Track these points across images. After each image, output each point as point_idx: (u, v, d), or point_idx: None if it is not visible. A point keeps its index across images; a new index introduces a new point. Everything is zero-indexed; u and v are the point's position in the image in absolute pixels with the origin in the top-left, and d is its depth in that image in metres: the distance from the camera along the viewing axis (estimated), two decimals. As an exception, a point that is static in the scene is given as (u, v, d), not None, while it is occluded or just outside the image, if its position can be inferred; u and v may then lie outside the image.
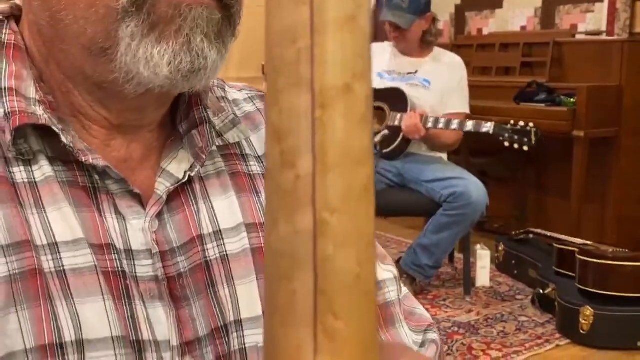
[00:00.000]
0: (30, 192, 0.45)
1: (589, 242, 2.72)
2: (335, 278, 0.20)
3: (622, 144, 3.14)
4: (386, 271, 0.57)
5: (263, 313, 0.50)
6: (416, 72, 2.73)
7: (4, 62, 0.47)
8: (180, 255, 0.49)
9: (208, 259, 0.50)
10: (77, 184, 0.47)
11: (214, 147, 0.53)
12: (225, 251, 0.51)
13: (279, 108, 0.20)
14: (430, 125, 2.56)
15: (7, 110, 0.45)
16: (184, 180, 0.50)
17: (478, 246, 2.91)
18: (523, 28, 3.78)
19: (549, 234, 2.96)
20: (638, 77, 3.10)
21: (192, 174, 0.50)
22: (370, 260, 0.21)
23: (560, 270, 2.59)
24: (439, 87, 2.69)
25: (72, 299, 0.44)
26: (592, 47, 3.25)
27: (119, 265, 0.46)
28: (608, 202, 3.19)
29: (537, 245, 2.95)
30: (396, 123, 2.65)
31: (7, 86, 0.46)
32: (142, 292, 0.46)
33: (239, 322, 0.50)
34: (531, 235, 3.03)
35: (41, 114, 0.45)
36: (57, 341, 0.43)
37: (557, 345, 2.37)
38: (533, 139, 2.45)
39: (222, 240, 0.51)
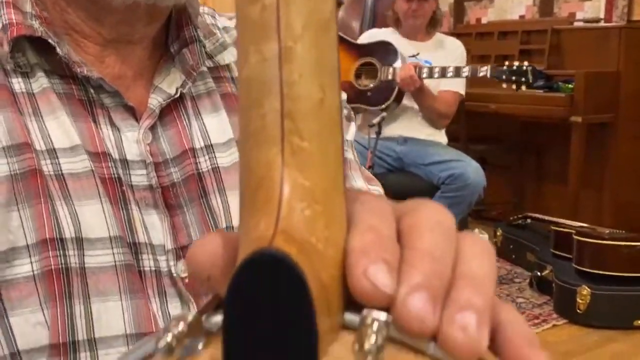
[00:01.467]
0: (28, 101, 0.47)
1: (585, 225, 2.74)
2: (300, 102, 0.22)
3: (620, 129, 3.15)
4: (372, 189, 0.59)
5: (237, 142, 0.50)
6: (418, 54, 2.75)
7: None
8: (174, 167, 0.51)
9: (200, 171, 0.52)
10: (73, 96, 0.49)
11: (205, 69, 0.55)
12: (217, 164, 0.53)
13: None
14: (425, 75, 2.55)
15: (4, 22, 0.47)
16: (176, 96, 0.52)
17: (476, 230, 2.94)
18: (522, 17, 3.80)
19: (546, 218, 2.98)
20: (635, 63, 3.12)
21: (184, 91, 0.53)
22: (333, 88, 0.23)
23: (558, 252, 2.61)
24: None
25: (71, 200, 0.46)
26: (590, 34, 3.27)
27: (115, 173, 0.48)
28: (605, 188, 3.21)
29: (535, 230, 2.97)
30: (389, 77, 2.64)
31: (4, 0, 0.48)
32: (137, 199, 0.49)
33: (231, 229, 0.52)
34: (529, 220, 3.05)
35: (37, 27, 0.47)
36: (58, 236, 0.45)
37: (554, 325, 2.39)
38: (530, 77, 2.44)
39: (213, 154, 0.53)
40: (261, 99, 0.22)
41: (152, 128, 0.51)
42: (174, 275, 0.49)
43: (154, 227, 0.49)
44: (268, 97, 0.22)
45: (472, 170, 2.56)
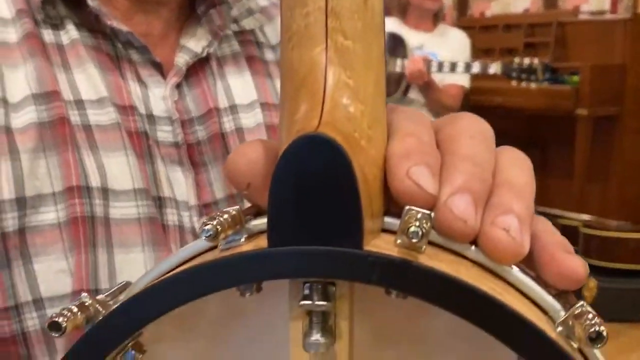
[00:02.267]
0: (57, 52, 0.48)
1: (592, 217, 2.73)
2: (345, 1, 0.22)
3: (625, 122, 3.14)
4: None
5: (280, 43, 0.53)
6: (422, 46, 2.74)
7: None
8: (199, 125, 0.51)
9: (224, 131, 0.52)
10: (101, 50, 0.49)
11: (230, 32, 0.55)
12: (241, 125, 0.53)
13: None
14: (434, 69, 2.53)
15: None
16: (202, 55, 0.52)
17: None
18: (526, 10, 3.78)
19: (552, 211, 2.96)
20: (641, 56, 3.11)
21: (210, 50, 0.53)
22: None
23: (564, 245, 2.60)
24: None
25: (98, 151, 0.46)
26: (595, 26, 3.26)
27: (141, 127, 0.49)
28: (611, 181, 3.20)
29: (541, 223, 2.96)
30: (397, 69, 2.63)
31: None
32: (162, 155, 0.49)
33: None
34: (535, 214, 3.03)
35: None
36: (84, 184, 0.45)
37: (561, 318, 2.38)
38: (540, 75, 2.45)
39: (237, 114, 0.53)
40: None
41: (178, 86, 0.51)
42: (197, 230, 0.49)
43: (178, 183, 0.49)
44: None
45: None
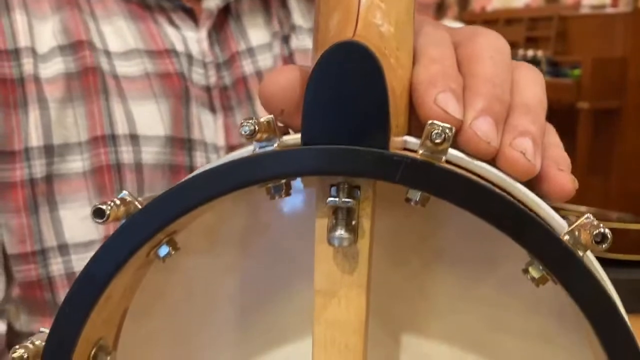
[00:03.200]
0: (86, 3, 0.49)
1: (592, 208, 2.74)
2: None
3: (627, 116, 3.15)
4: None
5: None
6: None
7: None
8: (225, 70, 0.53)
9: (244, 74, 0.54)
10: (130, 1, 0.50)
11: None
12: (259, 67, 0.54)
13: None
14: None
15: None
16: (231, 0, 0.53)
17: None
18: (527, 4, 3.80)
19: (553, 203, 2.98)
20: (642, 50, 3.12)
21: None
22: None
23: (565, 236, 2.62)
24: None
25: (127, 100, 0.48)
26: (596, 20, 3.27)
27: (179, 69, 0.50)
28: (612, 174, 3.21)
29: (542, 215, 2.97)
30: None
31: None
32: (195, 97, 0.50)
33: None
34: (536, 206, 3.05)
35: None
36: (109, 133, 0.46)
37: (562, 308, 2.40)
38: (543, 68, 2.47)
39: (255, 57, 0.54)
40: None
41: (207, 31, 0.52)
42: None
43: (208, 125, 0.51)
44: None
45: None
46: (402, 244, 0.27)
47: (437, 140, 0.22)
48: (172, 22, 0.51)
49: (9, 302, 0.46)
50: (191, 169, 0.49)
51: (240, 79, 0.53)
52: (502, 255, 0.26)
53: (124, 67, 0.48)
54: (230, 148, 0.51)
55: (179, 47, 0.50)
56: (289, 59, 0.56)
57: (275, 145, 0.24)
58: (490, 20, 3.66)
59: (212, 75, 0.51)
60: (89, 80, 0.47)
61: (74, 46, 0.47)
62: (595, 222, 0.23)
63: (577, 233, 0.23)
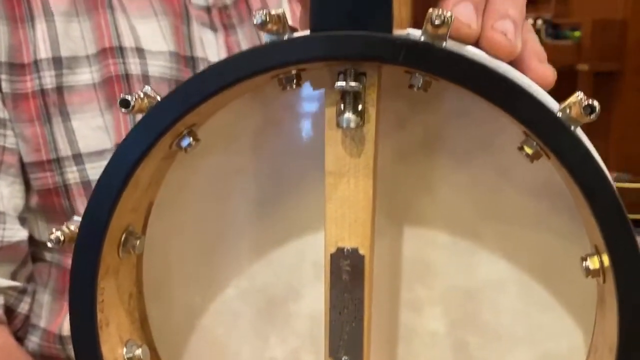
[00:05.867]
0: None
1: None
2: None
3: (626, 78, 3.15)
4: None
5: None
6: None
7: None
8: None
9: None
10: None
11: None
12: None
13: None
14: None
15: None
16: None
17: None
18: (528, -33, 3.77)
19: (552, 165, 3.00)
20: (643, 11, 3.11)
21: None
22: None
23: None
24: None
25: (129, 16, 0.49)
26: (597, -18, 3.25)
27: None
28: (612, 137, 3.22)
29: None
30: None
31: None
32: (195, 17, 0.51)
33: None
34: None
35: None
36: (117, 44, 0.48)
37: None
38: (542, 35, 2.48)
39: None
40: None
41: None
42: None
43: (209, 44, 0.52)
44: None
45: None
46: (407, 135, 0.30)
47: (437, 22, 0.24)
48: None
49: (28, 211, 0.48)
50: None
51: None
52: (498, 140, 0.29)
53: None
54: None
55: None
56: None
57: (285, 38, 0.26)
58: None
59: None
60: None
61: None
62: (585, 97, 0.25)
63: (568, 110, 0.25)
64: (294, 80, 0.27)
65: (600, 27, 3.03)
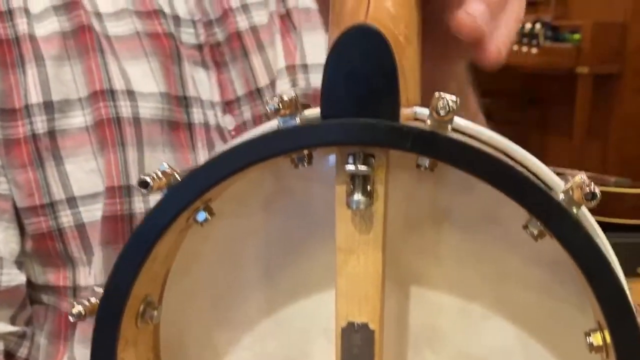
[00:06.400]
0: None
1: (590, 173, 2.77)
2: None
3: (626, 81, 3.16)
4: None
5: None
6: None
7: None
8: (218, 27, 0.54)
9: (239, 30, 0.55)
10: None
11: None
12: (254, 23, 0.56)
13: None
14: None
15: None
16: None
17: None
18: (527, -31, 3.77)
19: (552, 168, 3.00)
20: (643, 14, 3.12)
21: None
22: None
23: (563, 201, 2.64)
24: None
25: (120, 59, 0.49)
26: (597, -16, 3.26)
27: (168, 29, 0.51)
28: (611, 140, 3.23)
29: (541, 181, 2.99)
30: None
31: None
32: (187, 56, 0.52)
33: (271, 86, 0.54)
34: (535, 171, 3.07)
35: None
36: (108, 87, 0.48)
37: (560, 271, 2.43)
38: (541, 39, 2.49)
39: (250, 14, 0.56)
40: None
41: None
42: (222, 127, 0.52)
43: (202, 83, 0.52)
44: None
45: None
46: (415, 207, 0.31)
47: (442, 113, 0.25)
48: None
49: (23, 255, 0.49)
50: (189, 125, 0.51)
51: (234, 34, 0.54)
52: (503, 214, 0.30)
53: (114, 27, 0.50)
54: (227, 104, 0.53)
55: (166, 9, 0.52)
56: (286, 16, 0.57)
57: (297, 119, 0.27)
58: (490, -14, 3.64)
59: (201, 34, 0.52)
60: (85, 38, 0.48)
61: (67, 6, 0.49)
62: (587, 182, 0.26)
63: (571, 192, 0.26)
64: (306, 159, 0.29)
65: (600, 30, 3.04)
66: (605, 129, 3.20)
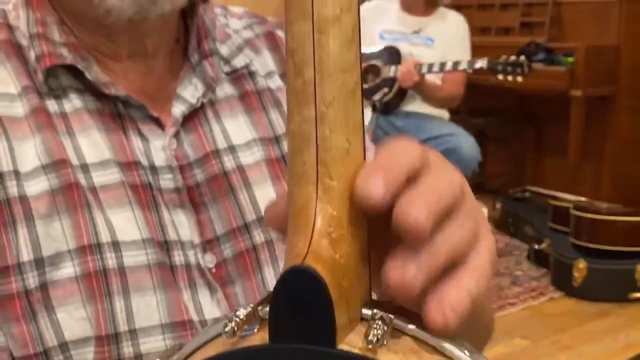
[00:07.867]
0: (62, 121, 0.52)
1: (583, 199, 2.79)
2: (330, 152, 0.28)
3: (619, 103, 3.18)
4: None
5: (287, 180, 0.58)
6: (420, 30, 2.77)
7: (30, 10, 0.54)
8: (197, 168, 0.56)
9: (226, 170, 0.57)
10: (105, 112, 0.54)
11: (223, 75, 0.59)
12: (241, 163, 0.57)
13: (291, 34, 0.29)
14: (424, 70, 2.61)
15: (37, 54, 0.52)
16: (197, 106, 0.56)
17: (476, 204, 2.98)
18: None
19: (545, 192, 3.02)
20: (636, 36, 3.14)
21: (205, 101, 0.57)
22: (358, 138, 0.29)
23: (555, 226, 2.67)
24: (442, 45, 2.73)
25: (105, 209, 0.51)
26: (591, 6, 3.28)
27: (145, 180, 0.53)
28: (604, 160, 3.25)
29: (534, 203, 3.02)
30: (391, 74, 2.71)
31: (35, 32, 0.53)
32: (166, 201, 0.54)
33: (258, 221, 0.56)
34: (527, 194, 3.09)
35: (67, 55, 0.52)
36: (95, 242, 0.50)
37: (551, 298, 2.46)
38: (525, 70, 2.53)
39: (236, 154, 0.58)
40: (302, 149, 0.29)
41: (176, 135, 0.55)
42: (202, 266, 0.54)
43: (182, 225, 0.54)
44: (307, 149, 0.28)
45: (466, 145, 2.61)
46: None
47: (370, 346, 0.26)
48: (140, 132, 0.54)
49: None
50: (172, 268, 0.53)
51: (216, 175, 0.56)
52: None
53: (100, 177, 0.52)
54: (207, 242, 0.54)
55: (143, 160, 0.54)
56: (281, 159, 0.59)
57: (255, 330, 0.28)
58: (486, 5, 3.66)
59: (179, 179, 0.54)
60: (73, 195, 0.50)
61: (56, 164, 0.51)
62: None
63: None
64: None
65: (594, 53, 3.07)
66: (600, 149, 3.23)
